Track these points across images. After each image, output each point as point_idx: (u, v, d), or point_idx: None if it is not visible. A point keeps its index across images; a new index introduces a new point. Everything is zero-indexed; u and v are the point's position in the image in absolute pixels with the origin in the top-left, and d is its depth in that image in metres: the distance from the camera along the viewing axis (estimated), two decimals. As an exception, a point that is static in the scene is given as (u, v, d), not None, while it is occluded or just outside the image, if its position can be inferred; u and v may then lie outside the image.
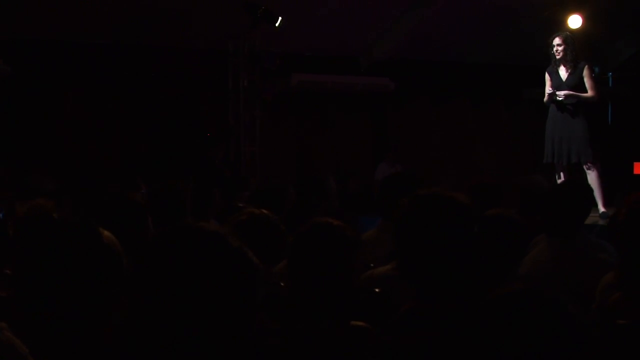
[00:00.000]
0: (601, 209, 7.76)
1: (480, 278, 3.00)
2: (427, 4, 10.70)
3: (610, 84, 13.02)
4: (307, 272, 2.37)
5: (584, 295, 3.10)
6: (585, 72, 7.72)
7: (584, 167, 7.81)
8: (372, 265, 3.60)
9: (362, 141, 11.68)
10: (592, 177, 7.78)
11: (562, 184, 4.04)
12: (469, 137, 12.27)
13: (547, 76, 7.87)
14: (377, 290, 3.17)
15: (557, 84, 7.76)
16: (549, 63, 7.84)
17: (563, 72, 7.78)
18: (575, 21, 11.00)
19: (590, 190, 4.37)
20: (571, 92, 7.63)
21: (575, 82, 7.71)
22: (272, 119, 10.82)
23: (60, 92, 9.71)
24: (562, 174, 7.91)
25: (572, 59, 7.71)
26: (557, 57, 7.69)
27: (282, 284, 2.59)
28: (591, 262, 3.52)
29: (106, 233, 1.75)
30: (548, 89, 7.80)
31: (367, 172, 11.05)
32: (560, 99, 7.67)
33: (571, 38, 7.84)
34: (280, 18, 9.64)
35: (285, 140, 11.18)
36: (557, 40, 7.73)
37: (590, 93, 7.70)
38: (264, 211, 2.75)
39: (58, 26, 9.31)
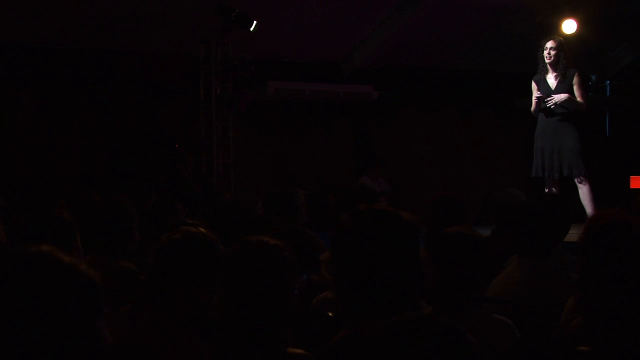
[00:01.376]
0: (593, 225, 7.71)
1: (435, 300, 2.95)
2: (412, 8, 10.67)
3: (608, 93, 13.04)
4: (237, 296, 2.30)
5: (556, 319, 3.04)
6: (576, 80, 7.68)
7: (576, 180, 7.76)
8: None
9: (343, 153, 11.62)
10: (584, 191, 7.74)
11: (535, 199, 3.98)
12: (457, 148, 12.23)
13: (534, 85, 7.80)
14: (330, 314, 3.11)
15: (546, 93, 7.70)
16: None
17: (552, 80, 7.73)
18: (569, 26, 11.01)
19: (569, 205, 4.31)
20: (565, 95, 7.54)
21: (565, 90, 7.65)
22: (247, 130, 10.75)
23: (16, 99, 9.62)
24: (553, 189, 7.86)
25: (563, 67, 7.67)
26: (548, 60, 7.64)
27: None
28: (565, 283, 3.45)
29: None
30: (535, 95, 7.73)
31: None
32: (550, 104, 7.59)
33: (565, 44, 7.80)
34: (255, 22, 9.58)
35: (261, 152, 11.11)
36: (550, 44, 7.67)
37: (579, 101, 7.66)
38: (202, 230, 2.68)
39: (17, 30, 9.24)
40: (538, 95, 7.63)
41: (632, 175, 9.17)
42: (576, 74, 7.69)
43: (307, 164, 11.24)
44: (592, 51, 12.06)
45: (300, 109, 11.27)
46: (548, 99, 7.59)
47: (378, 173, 10.99)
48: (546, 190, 7.89)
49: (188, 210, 6.06)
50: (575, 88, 7.68)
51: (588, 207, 7.71)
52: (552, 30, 10.52)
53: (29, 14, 9.06)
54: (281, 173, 11.16)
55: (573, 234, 5.79)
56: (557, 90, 7.67)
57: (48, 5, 8.99)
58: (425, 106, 12.03)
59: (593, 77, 12.90)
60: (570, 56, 7.80)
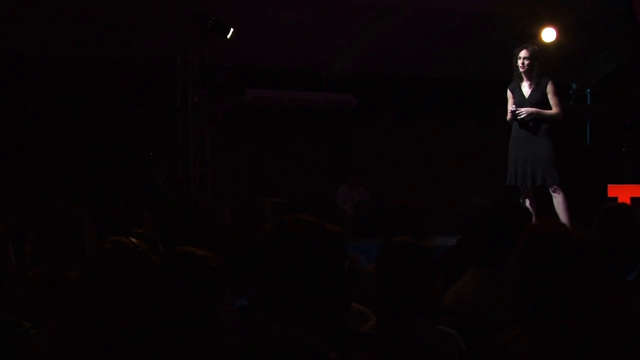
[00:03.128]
0: (567, 234, 7.69)
1: (379, 311, 2.91)
2: (391, 16, 10.67)
3: (588, 101, 13.05)
4: (163, 307, 2.26)
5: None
6: (550, 89, 7.68)
7: (550, 189, 7.75)
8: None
9: (323, 161, 11.59)
10: (558, 200, 7.73)
11: (491, 208, 3.95)
12: (438, 157, 12.21)
13: (509, 93, 7.84)
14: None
15: (520, 101, 7.71)
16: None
17: (526, 88, 7.74)
18: (549, 34, 11.05)
19: (525, 215, 4.29)
20: (533, 109, 7.58)
21: (538, 99, 7.66)
22: (225, 138, 10.71)
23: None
24: (527, 198, 7.84)
25: (537, 75, 7.67)
26: (521, 69, 7.64)
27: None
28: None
29: None
30: (510, 107, 7.76)
31: (327, 195, 10.95)
32: (522, 116, 7.61)
33: (539, 52, 7.80)
34: (232, 29, 9.56)
35: (239, 160, 11.07)
36: (523, 53, 7.68)
37: (554, 110, 7.65)
38: (134, 240, 2.64)
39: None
40: (512, 109, 7.64)
41: (609, 184, 9.12)
42: (550, 82, 7.69)
43: (286, 173, 11.19)
44: (573, 59, 12.08)
45: (279, 117, 11.24)
46: (517, 110, 7.59)
47: (356, 181, 10.96)
48: (520, 199, 7.88)
49: (162, 218, 6.01)
50: (549, 96, 7.68)
51: (562, 216, 7.70)
52: (532, 38, 10.55)
53: (4, 21, 9.01)
54: (260, 181, 11.12)
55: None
56: (531, 99, 7.68)
57: (24, 12, 8.95)
58: (406, 114, 12.01)
59: (573, 86, 12.93)
60: (545, 64, 7.80)
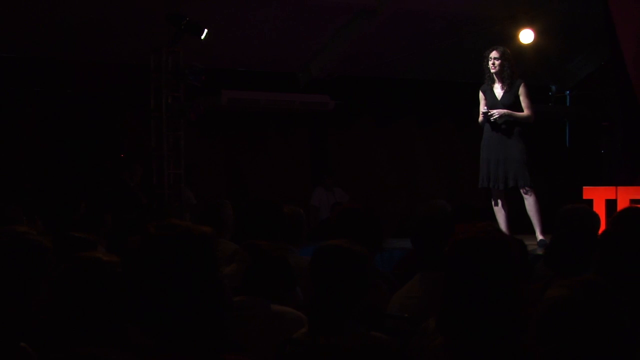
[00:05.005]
0: (539, 236, 7.67)
1: (312, 317, 2.81)
2: (368, 18, 10.60)
3: (568, 103, 13.01)
4: (65, 310, 2.19)
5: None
6: (522, 90, 7.65)
7: (522, 191, 7.71)
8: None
9: (300, 163, 11.52)
10: (530, 202, 7.70)
11: (435, 211, 3.87)
12: (416, 159, 12.16)
13: (481, 95, 7.82)
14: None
15: (492, 103, 7.69)
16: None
17: (498, 90, 7.71)
18: (527, 36, 11.01)
19: (477, 215, 4.21)
20: (505, 111, 7.54)
21: (511, 101, 7.63)
22: (200, 139, 10.63)
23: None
24: (499, 201, 7.81)
25: (509, 76, 7.64)
26: (492, 70, 7.62)
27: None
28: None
29: None
30: (482, 108, 7.72)
31: (304, 197, 10.88)
32: (494, 118, 7.57)
33: (509, 54, 7.77)
34: (206, 30, 9.46)
35: (216, 162, 10.98)
36: (494, 54, 7.65)
37: (526, 112, 7.62)
38: (34, 232, 2.56)
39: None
40: (484, 111, 7.59)
41: (584, 185, 9.06)
42: (522, 84, 7.67)
43: (262, 174, 11.11)
44: (552, 61, 12.04)
45: (255, 119, 11.16)
46: (490, 112, 7.55)
47: (332, 183, 10.88)
48: (492, 202, 7.83)
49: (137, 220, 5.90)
50: (521, 98, 7.66)
51: (534, 218, 7.68)
52: (510, 40, 10.51)
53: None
54: (236, 183, 11.03)
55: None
56: (503, 100, 7.65)
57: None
58: (383, 116, 11.96)
59: (553, 88, 12.89)
60: (517, 66, 7.77)
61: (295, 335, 2.83)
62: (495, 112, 7.56)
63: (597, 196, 8.68)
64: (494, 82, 7.71)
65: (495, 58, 7.60)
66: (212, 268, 1.93)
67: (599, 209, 7.99)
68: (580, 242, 3.70)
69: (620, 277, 2.65)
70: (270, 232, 3.83)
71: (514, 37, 10.82)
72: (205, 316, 1.91)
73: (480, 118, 7.74)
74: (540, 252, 6.98)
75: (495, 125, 7.65)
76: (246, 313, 3.05)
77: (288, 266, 3.23)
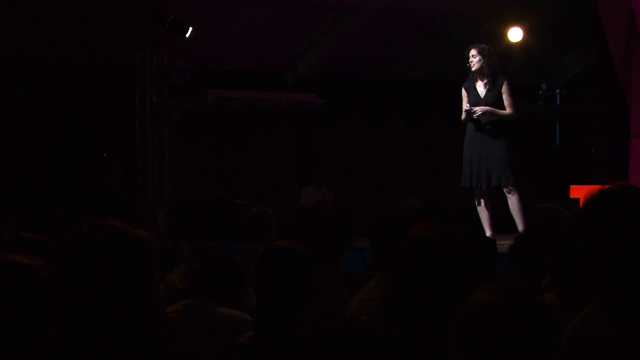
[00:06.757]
0: (522, 236, 7.56)
1: (257, 319, 2.72)
2: (355, 17, 10.52)
3: (557, 102, 12.93)
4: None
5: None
6: (505, 89, 7.61)
7: (505, 190, 7.65)
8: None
9: (287, 162, 11.44)
10: (513, 201, 7.65)
11: (399, 212, 3.78)
12: (404, 158, 12.08)
13: (463, 92, 7.77)
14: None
15: (475, 101, 7.64)
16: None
17: (481, 88, 7.67)
18: (515, 34, 10.96)
19: (443, 215, 4.12)
20: (487, 108, 7.48)
21: (493, 99, 7.59)
22: (186, 139, 10.54)
23: None
24: (482, 200, 7.74)
25: (490, 74, 7.60)
26: (473, 68, 7.59)
27: None
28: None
29: None
30: (465, 106, 7.65)
31: (291, 197, 10.78)
32: (477, 115, 7.50)
33: (488, 50, 7.73)
34: (190, 29, 9.37)
35: (202, 161, 10.90)
36: (473, 52, 7.68)
37: (508, 111, 7.58)
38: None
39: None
40: (467, 109, 7.53)
41: (571, 184, 8.97)
42: (505, 82, 7.63)
43: (249, 174, 11.02)
44: (541, 59, 11.96)
45: (242, 118, 11.08)
46: (472, 109, 7.48)
47: (319, 181, 10.79)
48: (475, 200, 7.76)
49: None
50: (504, 97, 7.62)
51: (517, 218, 7.61)
52: (498, 39, 10.43)
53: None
54: (222, 183, 10.94)
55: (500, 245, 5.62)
56: (486, 98, 7.60)
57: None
58: (371, 115, 11.87)
59: (543, 86, 12.81)
60: (499, 63, 7.71)
61: (241, 339, 2.74)
62: (478, 110, 7.51)
63: (584, 195, 8.58)
64: (476, 80, 7.67)
65: (472, 55, 7.59)
66: (144, 276, 1.84)
67: (585, 207, 7.88)
68: (542, 242, 3.60)
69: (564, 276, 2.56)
70: (219, 232, 3.75)
71: (503, 35, 10.75)
72: (132, 329, 1.81)
73: (463, 116, 7.69)
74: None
75: (479, 124, 7.59)
76: (191, 317, 2.97)
77: (238, 268, 3.14)
